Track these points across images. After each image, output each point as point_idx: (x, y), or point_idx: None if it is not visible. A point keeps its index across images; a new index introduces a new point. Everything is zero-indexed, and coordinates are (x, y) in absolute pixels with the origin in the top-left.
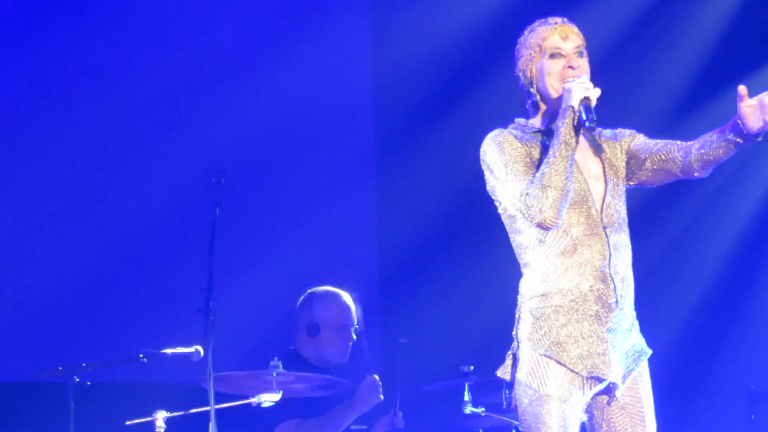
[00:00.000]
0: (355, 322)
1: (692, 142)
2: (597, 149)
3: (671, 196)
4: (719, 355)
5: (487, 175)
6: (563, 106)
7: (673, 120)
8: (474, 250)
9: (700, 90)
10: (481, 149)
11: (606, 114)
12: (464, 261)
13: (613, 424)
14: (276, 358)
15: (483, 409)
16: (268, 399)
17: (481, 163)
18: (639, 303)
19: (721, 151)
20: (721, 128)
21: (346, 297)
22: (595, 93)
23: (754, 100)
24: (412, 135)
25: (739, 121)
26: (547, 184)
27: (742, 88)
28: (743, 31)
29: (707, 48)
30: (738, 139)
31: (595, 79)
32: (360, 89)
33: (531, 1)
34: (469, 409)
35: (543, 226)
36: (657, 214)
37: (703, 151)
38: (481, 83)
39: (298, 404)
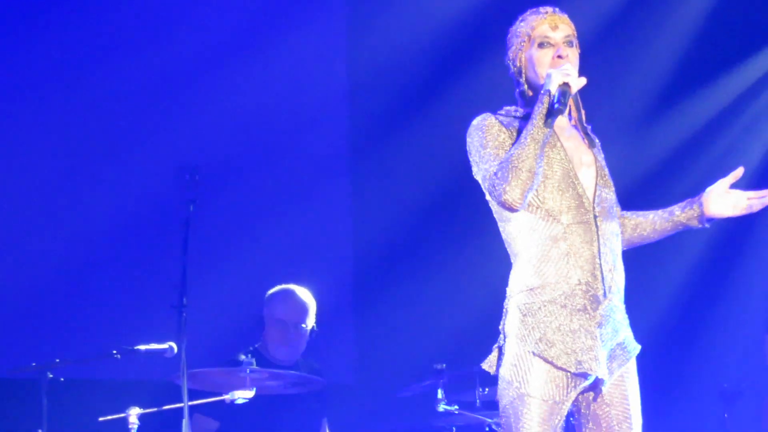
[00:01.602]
0: (303, 322)
1: (627, 217)
2: (590, 141)
3: (642, 196)
4: (693, 354)
5: (470, 159)
6: (542, 90)
7: (649, 116)
8: (448, 248)
9: (676, 86)
10: (467, 133)
11: (588, 107)
12: (439, 259)
13: (599, 421)
14: (249, 355)
15: (456, 407)
16: (242, 396)
17: (466, 147)
18: None
19: (654, 236)
20: (672, 210)
21: (300, 294)
22: (578, 82)
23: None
24: (387, 132)
25: (704, 203)
26: (515, 164)
27: (740, 171)
28: (719, 29)
29: (683, 45)
30: (694, 222)
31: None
32: (335, 86)
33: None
34: (442, 407)
35: (506, 207)
36: (634, 208)
37: (636, 236)
38: (456, 80)
39: (268, 401)
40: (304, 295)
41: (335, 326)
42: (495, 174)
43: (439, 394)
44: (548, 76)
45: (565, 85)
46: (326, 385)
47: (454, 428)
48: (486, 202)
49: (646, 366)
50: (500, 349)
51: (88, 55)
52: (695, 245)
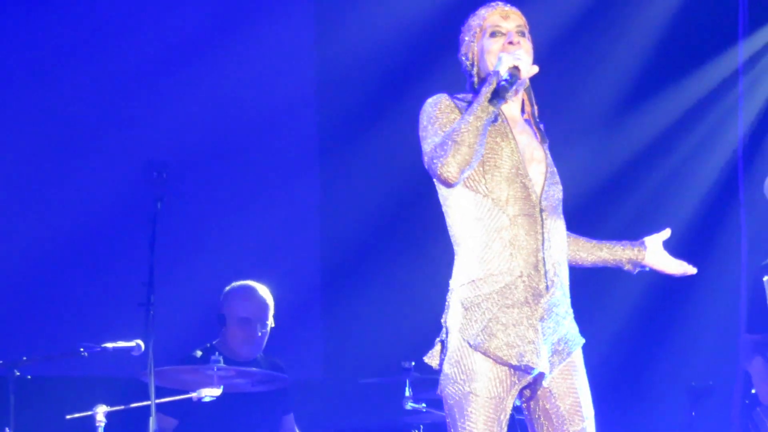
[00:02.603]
0: (267, 319)
1: (570, 235)
2: (542, 138)
3: (613, 192)
4: (661, 352)
5: (420, 136)
6: (492, 72)
7: (616, 115)
8: (416, 246)
9: (640, 88)
10: (420, 110)
11: (553, 108)
12: (406, 257)
13: (549, 415)
14: (217, 353)
15: (424, 405)
16: (209, 394)
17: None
18: (581, 300)
19: (588, 261)
20: (613, 245)
21: (261, 291)
22: (530, 69)
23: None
24: (355, 131)
25: (645, 250)
26: (455, 139)
27: (667, 232)
28: (682, 32)
29: (647, 48)
30: (629, 264)
31: (541, 72)
32: (303, 84)
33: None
34: (410, 405)
35: (442, 180)
36: (599, 209)
37: (574, 255)
38: (424, 81)
39: (231, 398)
40: (264, 292)
41: (303, 323)
42: (435, 148)
43: (407, 391)
44: (499, 59)
45: (515, 69)
46: (291, 383)
47: (421, 426)
48: None
49: (614, 363)
50: (442, 343)
51: (55, 52)
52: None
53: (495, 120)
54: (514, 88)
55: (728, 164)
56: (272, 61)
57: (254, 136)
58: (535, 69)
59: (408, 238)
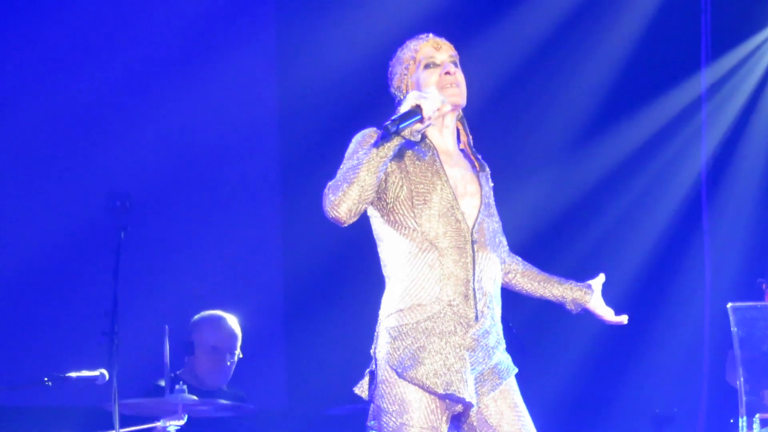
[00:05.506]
0: (236, 349)
1: (519, 263)
2: (480, 167)
3: (577, 218)
4: (625, 379)
5: None
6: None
7: (579, 143)
8: (380, 274)
9: (607, 112)
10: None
11: (514, 136)
12: (370, 285)
13: None
14: (181, 382)
15: None
16: (174, 423)
17: None
18: (547, 328)
19: (533, 294)
20: (561, 283)
21: (230, 321)
22: (440, 107)
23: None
24: (317, 157)
25: (591, 293)
26: (346, 179)
27: (602, 277)
28: (650, 55)
29: (614, 71)
30: (570, 306)
31: (504, 102)
32: (265, 113)
33: (436, 28)
34: None
35: (331, 218)
36: (563, 237)
37: (518, 284)
38: (385, 109)
39: (196, 424)
40: (233, 322)
41: (267, 352)
42: (330, 186)
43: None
44: (404, 97)
45: (418, 108)
46: (255, 411)
47: None
48: None
49: (579, 390)
50: (372, 373)
51: (18, 77)
52: (628, 267)
53: (412, 148)
54: (407, 125)
55: (691, 192)
56: (234, 89)
57: (216, 166)
58: (447, 108)
59: (372, 266)
